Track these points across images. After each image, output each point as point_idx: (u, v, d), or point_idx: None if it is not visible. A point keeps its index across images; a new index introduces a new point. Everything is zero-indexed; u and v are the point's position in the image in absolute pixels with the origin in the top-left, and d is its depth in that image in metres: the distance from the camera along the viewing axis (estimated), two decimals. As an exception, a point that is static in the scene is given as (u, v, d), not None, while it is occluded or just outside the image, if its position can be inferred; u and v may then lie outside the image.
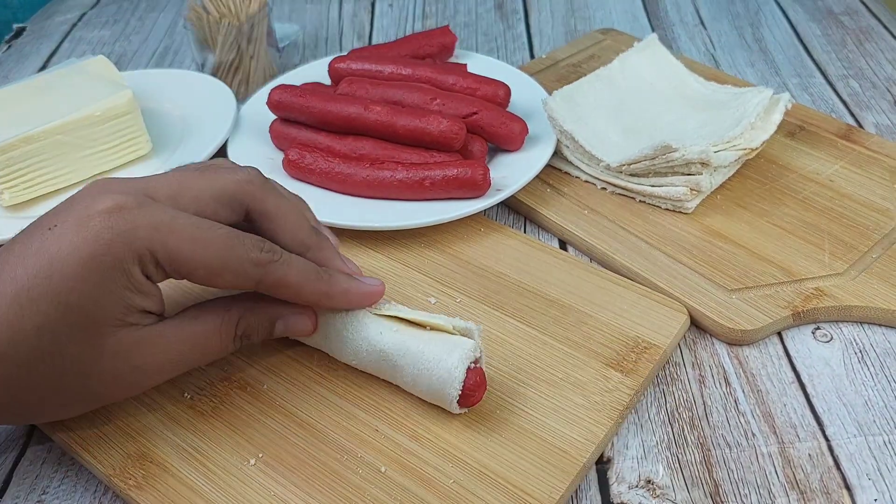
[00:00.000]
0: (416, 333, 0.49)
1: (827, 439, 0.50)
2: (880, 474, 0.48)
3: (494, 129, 0.69)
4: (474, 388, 0.47)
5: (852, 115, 0.81)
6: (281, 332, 0.50)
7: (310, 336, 0.51)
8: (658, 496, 0.47)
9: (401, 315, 0.49)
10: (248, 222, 0.49)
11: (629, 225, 0.65)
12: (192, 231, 0.44)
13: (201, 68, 0.85)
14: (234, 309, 0.48)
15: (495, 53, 0.94)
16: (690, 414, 0.52)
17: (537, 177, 0.68)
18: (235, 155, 0.72)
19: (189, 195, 0.46)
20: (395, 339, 0.48)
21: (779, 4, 1.03)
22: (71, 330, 0.42)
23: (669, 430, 0.51)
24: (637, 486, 0.48)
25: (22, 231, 0.45)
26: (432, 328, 0.49)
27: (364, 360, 0.50)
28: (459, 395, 0.47)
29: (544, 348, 0.54)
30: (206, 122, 0.76)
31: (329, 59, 0.80)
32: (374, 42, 0.99)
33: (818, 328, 0.58)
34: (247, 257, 0.45)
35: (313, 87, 0.72)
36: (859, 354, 0.56)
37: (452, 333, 0.48)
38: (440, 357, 0.47)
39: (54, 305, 0.41)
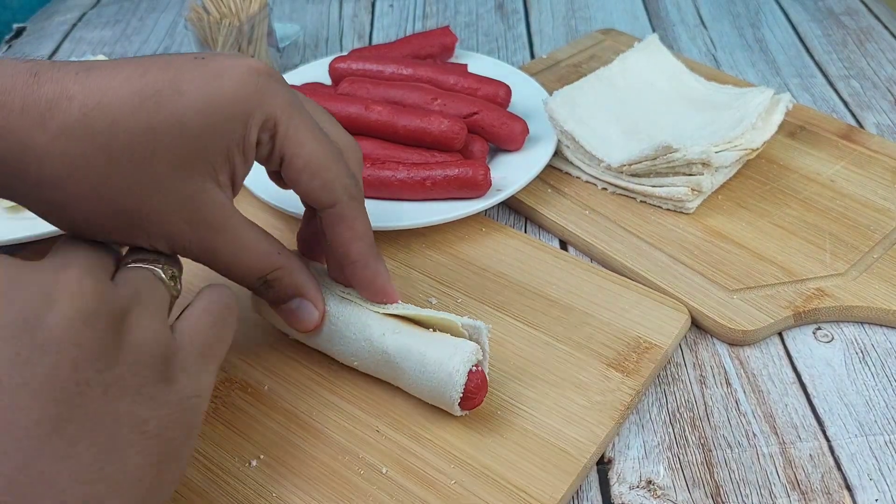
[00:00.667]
0: (419, 334, 0.48)
1: (828, 439, 0.50)
2: (881, 474, 0.48)
3: (495, 129, 0.69)
4: (476, 390, 0.47)
5: (853, 115, 0.81)
6: (293, 308, 0.50)
7: (311, 332, 0.51)
8: (659, 497, 0.47)
9: (409, 314, 0.49)
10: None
11: (630, 225, 0.65)
12: (313, 125, 0.46)
13: (202, 68, 0.85)
14: (283, 255, 0.48)
15: (496, 53, 0.94)
16: (691, 414, 0.52)
17: (538, 177, 0.68)
18: (236, 155, 0.71)
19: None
20: (396, 341, 0.48)
21: (779, 4, 1.03)
22: (171, 149, 0.41)
23: (670, 430, 0.51)
24: (638, 487, 0.48)
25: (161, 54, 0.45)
26: (439, 328, 0.49)
27: (365, 361, 0.50)
28: (461, 398, 0.47)
29: (545, 349, 0.54)
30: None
31: (329, 59, 0.80)
32: (374, 42, 0.99)
33: (819, 328, 0.58)
34: (345, 175, 0.47)
35: (314, 87, 0.72)
36: (860, 355, 0.56)
37: (461, 332, 0.48)
38: (441, 360, 0.47)
39: (173, 118, 0.41)
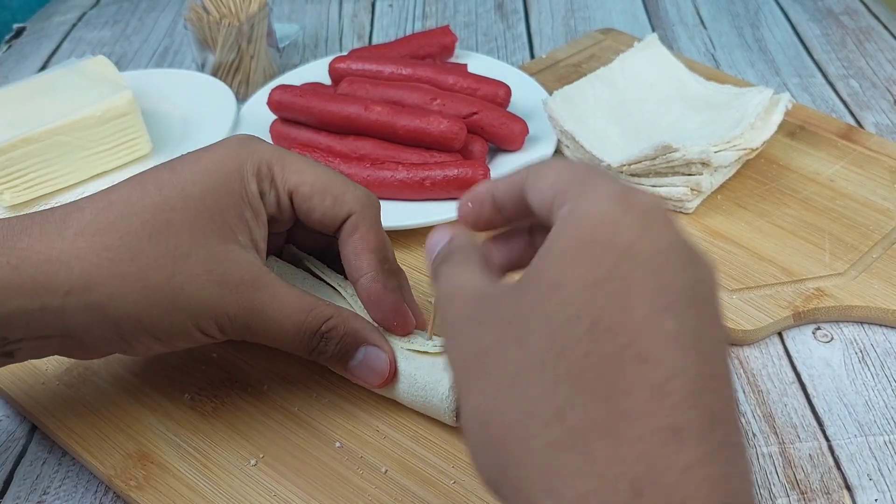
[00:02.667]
0: (408, 355, 0.48)
1: (827, 439, 0.50)
2: (881, 474, 0.48)
3: (495, 129, 0.69)
4: None
5: (852, 115, 0.81)
6: (359, 360, 0.48)
7: (381, 387, 0.49)
8: (659, 496, 0.47)
9: (409, 347, 0.48)
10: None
11: (629, 225, 0.65)
12: (305, 159, 0.49)
13: (201, 68, 0.85)
14: (331, 306, 0.47)
15: (495, 53, 0.94)
16: (691, 414, 0.52)
17: (538, 177, 0.68)
18: (236, 155, 0.71)
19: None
20: None
21: (779, 4, 1.03)
22: (183, 218, 0.44)
23: (670, 430, 0.51)
24: (638, 487, 0.48)
25: None
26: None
27: None
28: (456, 417, 0.47)
29: (545, 348, 0.54)
30: (206, 122, 0.76)
31: (329, 59, 0.80)
32: (374, 42, 0.99)
33: (819, 328, 0.58)
34: (353, 188, 0.48)
35: (313, 87, 0.72)
36: (860, 354, 0.56)
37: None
38: (430, 385, 0.47)
39: (175, 191, 0.45)
